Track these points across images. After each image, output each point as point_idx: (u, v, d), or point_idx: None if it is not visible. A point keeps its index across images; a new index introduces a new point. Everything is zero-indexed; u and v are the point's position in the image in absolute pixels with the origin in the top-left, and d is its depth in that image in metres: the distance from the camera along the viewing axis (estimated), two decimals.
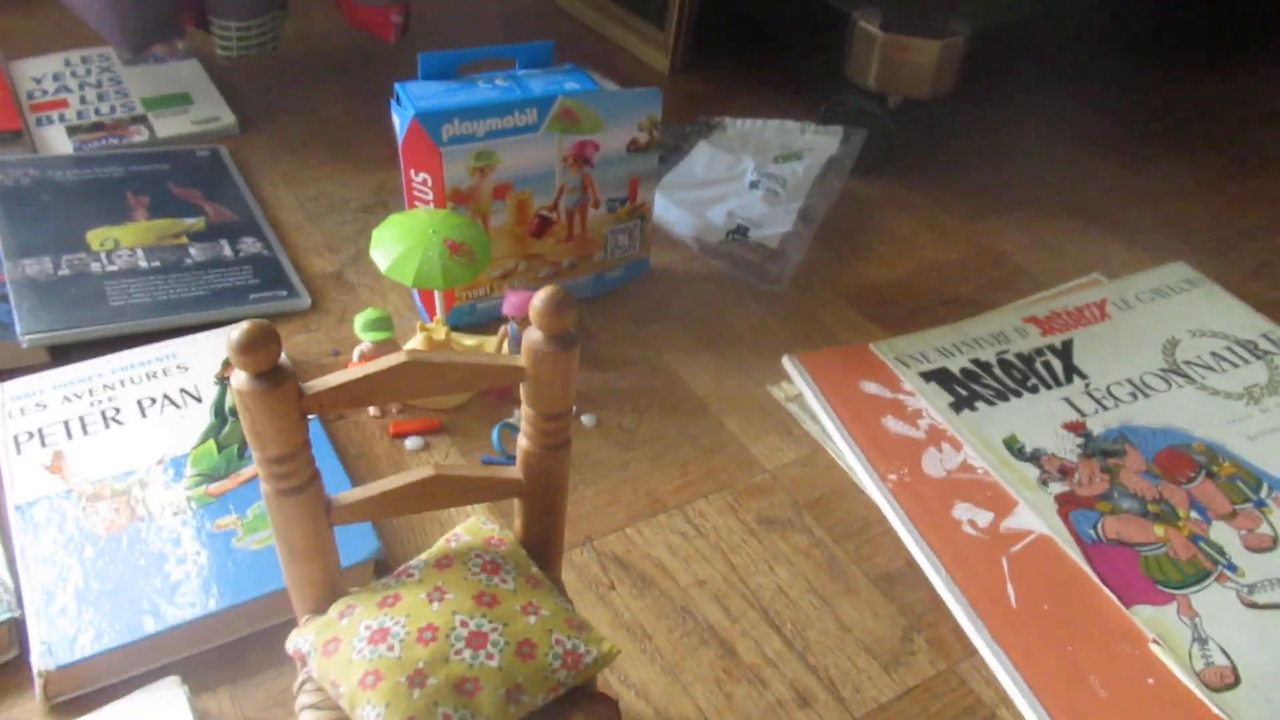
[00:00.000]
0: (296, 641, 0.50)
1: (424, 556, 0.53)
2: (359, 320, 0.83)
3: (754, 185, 1.12)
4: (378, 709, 0.46)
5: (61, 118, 1.22)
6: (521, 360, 0.49)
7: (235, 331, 0.44)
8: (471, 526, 0.55)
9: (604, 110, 0.90)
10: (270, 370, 0.45)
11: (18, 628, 0.69)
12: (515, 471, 0.53)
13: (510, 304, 0.83)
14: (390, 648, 0.47)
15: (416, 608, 0.49)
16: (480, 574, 0.51)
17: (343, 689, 0.47)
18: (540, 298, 0.47)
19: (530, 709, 0.48)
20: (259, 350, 0.44)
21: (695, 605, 0.74)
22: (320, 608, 0.52)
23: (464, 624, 0.48)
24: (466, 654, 0.47)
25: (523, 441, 0.52)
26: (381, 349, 0.83)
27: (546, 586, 0.52)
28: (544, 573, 0.54)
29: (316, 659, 0.49)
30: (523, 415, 0.51)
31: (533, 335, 0.48)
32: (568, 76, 0.91)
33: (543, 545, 0.55)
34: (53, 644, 0.64)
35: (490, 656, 0.48)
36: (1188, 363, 0.97)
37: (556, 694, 0.49)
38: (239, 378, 0.45)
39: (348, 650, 0.48)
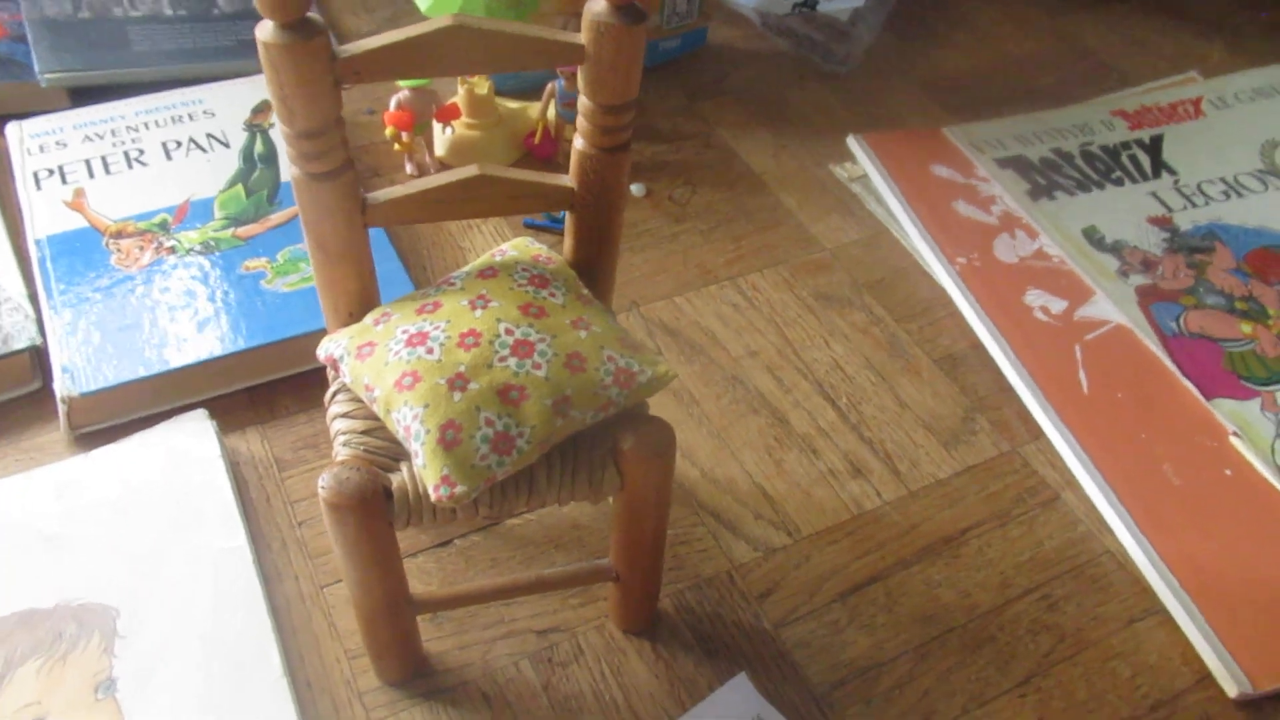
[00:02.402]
0: (329, 346, 0.47)
1: (466, 268, 0.49)
2: None
3: None
4: (415, 410, 0.42)
5: None
6: (581, 37, 0.43)
7: None
8: (518, 244, 0.51)
9: None
10: (299, 22, 0.40)
11: (40, 357, 0.66)
12: (568, 180, 0.48)
13: None
14: (430, 350, 0.44)
15: (458, 314, 0.45)
16: (527, 286, 0.47)
17: (377, 392, 0.44)
18: None
19: (579, 425, 0.44)
20: None
21: (746, 374, 0.69)
22: (354, 319, 0.49)
23: (509, 332, 0.44)
24: (512, 362, 0.43)
25: (578, 143, 0.47)
26: (420, 98, 0.77)
27: (598, 307, 0.48)
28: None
29: (350, 363, 0.45)
30: (579, 110, 0.46)
31: (596, 5, 0.42)
32: None
33: (593, 268, 0.51)
34: (75, 371, 0.62)
35: (537, 366, 0.44)
36: None
37: (607, 413, 0.45)
38: (265, 29, 0.40)
39: (383, 353, 0.44)
